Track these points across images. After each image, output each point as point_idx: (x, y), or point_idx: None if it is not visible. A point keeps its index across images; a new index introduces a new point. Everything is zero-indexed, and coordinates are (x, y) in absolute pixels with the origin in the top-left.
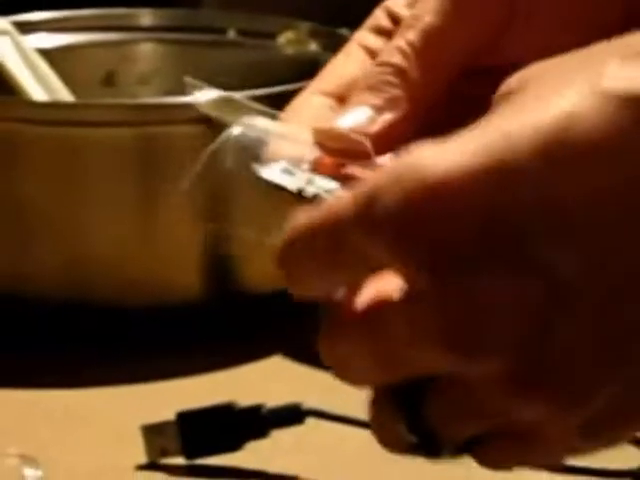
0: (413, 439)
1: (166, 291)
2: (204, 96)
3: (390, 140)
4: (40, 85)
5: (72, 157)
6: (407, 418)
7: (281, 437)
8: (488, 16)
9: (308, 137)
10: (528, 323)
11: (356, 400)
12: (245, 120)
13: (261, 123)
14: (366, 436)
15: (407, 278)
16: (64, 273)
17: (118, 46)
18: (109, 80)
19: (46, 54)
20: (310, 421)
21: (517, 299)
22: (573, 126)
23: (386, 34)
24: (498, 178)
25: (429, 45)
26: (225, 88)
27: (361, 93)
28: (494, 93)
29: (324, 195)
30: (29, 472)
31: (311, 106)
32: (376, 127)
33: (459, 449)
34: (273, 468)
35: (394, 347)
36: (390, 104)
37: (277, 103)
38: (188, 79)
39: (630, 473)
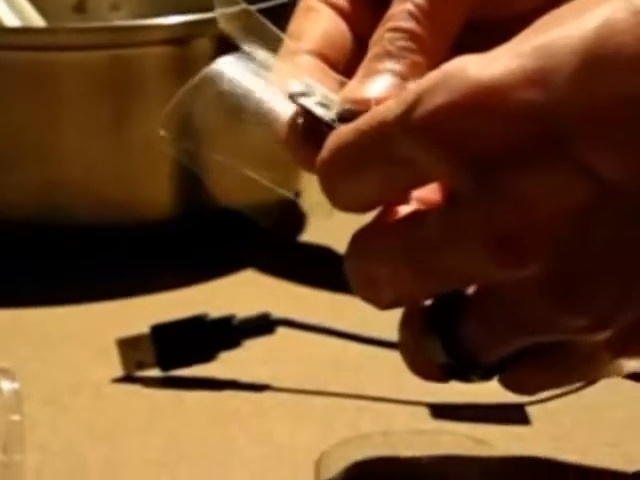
0: (447, 360)
1: (139, 209)
2: (224, 11)
3: None
4: (12, 11)
5: (45, 81)
6: (442, 338)
7: (252, 348)
8: None
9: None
10: (571, 225)
11: (324, 311)
12: (247, 49)
13: (261, 55)
14: (334, 344)
15: (450, 184)
16: (39, 194)
17: None
18: (80, 7)
19: None
20: (280, 331)
21: (561, 200)
22: (613, 36)
23: None
24: (542, 80)
25: (437, 5)
26: None
27: (379, 60)
28: (497, 41)
29: None
30: (5, 385)
31: (299, 65)
32: None
33: (491, 370)
34: (245, 378)
35: (429, 249)
36: (412, 70)
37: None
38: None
39: None
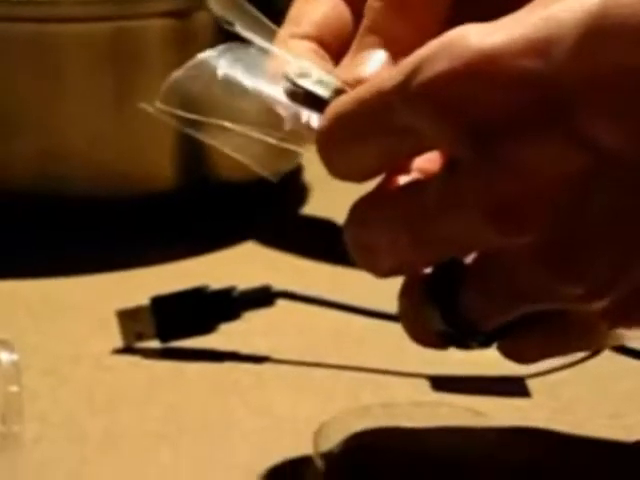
0: (447, 329)
1: (140, 181)
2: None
3: None
4: None
5: (47, 54)
6: (442, 307)
7: (252, 320)
8: None
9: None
10: (570, 192)
11: (325, 283)
12: (244, 34)
13: (260, 41)
14: (335, 317)
15: (450, 152)
16: (41, 166)
17: None
18: None
19: None
20: (280, 303)
21: (561, 168)
22: (617, 8)
23: None
24: (545, 49)
25: None
26: None
27: (370, 35)
28: (492, 16)
29: None
30: (4, 355)
31: (297, 50)
32: None
33: (490, 338)
34: (245, 349)
35: (428, 217)
36: (398, 44)
37: None
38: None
39: None
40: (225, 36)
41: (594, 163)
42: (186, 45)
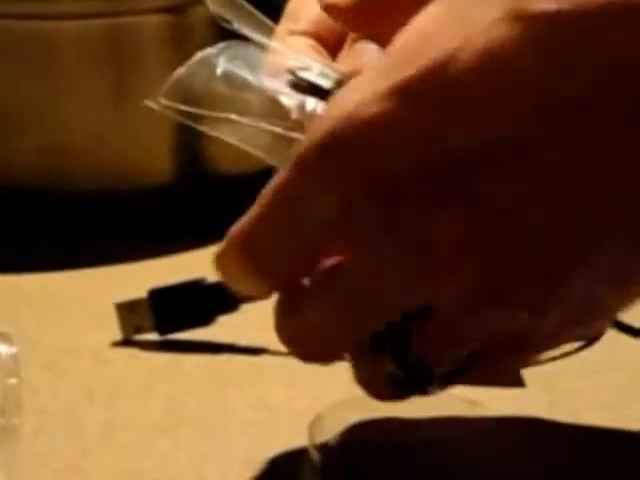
0: (402, 376)
1: (138, 176)
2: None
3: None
4: None
5: (43, 50)
6: (394, 356)
7: (250, 312)
8: None
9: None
10: (481, 248)
11: None
12: (242, 31)
13: (258, 38)
14: None
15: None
16: (39, 162)
17: None
18: None
19: None
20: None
21: (462, 229)
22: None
23: None
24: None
25: None
26: None
27: None
28: None
29: None
30: (3, 348)
31: (295, 46)
32: None
33: (448, 378)
34: (242, 341)
35: (363, 301)
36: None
37: None
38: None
39: None
40: (222, 31)
41: (492, 220)
42: (183, 41)
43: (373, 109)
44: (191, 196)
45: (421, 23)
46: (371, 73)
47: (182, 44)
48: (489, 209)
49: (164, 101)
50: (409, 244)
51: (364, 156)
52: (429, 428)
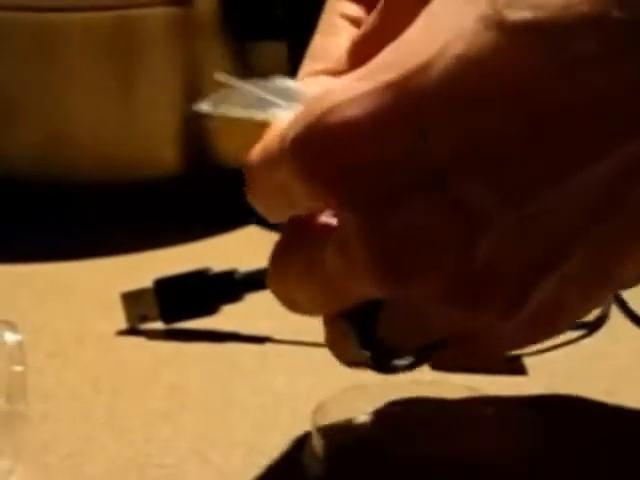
0: (366, 354)
1: (143, 166)
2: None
3: None
4: None
5: (49, 43)
6: (358, 336)
7: (254, 301)
8: None
9: None
10: (454, 249)
11: None
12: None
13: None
14: None
15: (336, 213)
16: (44, 152)
17: None
18: None
19: None
20: None
21: (439, 230)
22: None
23: (363, 1)
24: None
25: None
26: None
27: None
28: None
29: None
30: (9, 336)
31: (318, 85)
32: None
33: (414, 362)
34: (246, 330)
35: (333, 280)
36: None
37: None
38: (220, 75)
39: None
40: (227, 25)
41: (470, 221)
42: (188, 33)
43: (353, 110)
44: (196, 187)
45: (405, 34)
46: (354, 75)
47: (188, 36)
48: (463, 210)
49: (204, 106)
50: (381, 239)
51: (340, 156)
52: (430, 413)
